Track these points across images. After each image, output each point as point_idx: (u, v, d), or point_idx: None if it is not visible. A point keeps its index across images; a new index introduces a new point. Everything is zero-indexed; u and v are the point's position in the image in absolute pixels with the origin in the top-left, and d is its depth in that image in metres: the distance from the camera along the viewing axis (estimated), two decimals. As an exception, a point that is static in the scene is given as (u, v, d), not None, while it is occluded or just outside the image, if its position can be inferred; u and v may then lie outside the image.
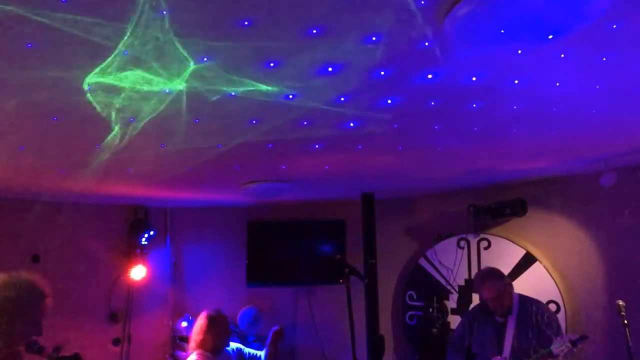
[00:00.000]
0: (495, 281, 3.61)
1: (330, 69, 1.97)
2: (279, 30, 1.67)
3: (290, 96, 2.22)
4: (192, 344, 3.51)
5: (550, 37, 1.70)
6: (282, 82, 2.09)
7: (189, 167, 3.53)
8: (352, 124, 2.72)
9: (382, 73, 2.03)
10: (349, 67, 1.98)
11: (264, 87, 2.11)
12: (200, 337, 3.47)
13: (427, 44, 1.80)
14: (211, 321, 3.52)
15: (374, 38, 1.74)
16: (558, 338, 3.32)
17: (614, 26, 1.73)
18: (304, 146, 3.15)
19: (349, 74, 2.04)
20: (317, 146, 3.13)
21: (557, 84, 2.28)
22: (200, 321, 3.56)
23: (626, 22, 1.71)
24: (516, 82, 2.21)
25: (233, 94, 2.16)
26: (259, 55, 1.85)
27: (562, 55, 1.95)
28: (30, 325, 2.26)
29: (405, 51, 1.87)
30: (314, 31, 1.67)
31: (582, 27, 1.68)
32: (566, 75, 2.18)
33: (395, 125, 2.77)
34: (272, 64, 1.91)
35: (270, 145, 3.05)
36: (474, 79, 2.16)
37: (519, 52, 1.90)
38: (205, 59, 1.83)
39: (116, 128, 2.53)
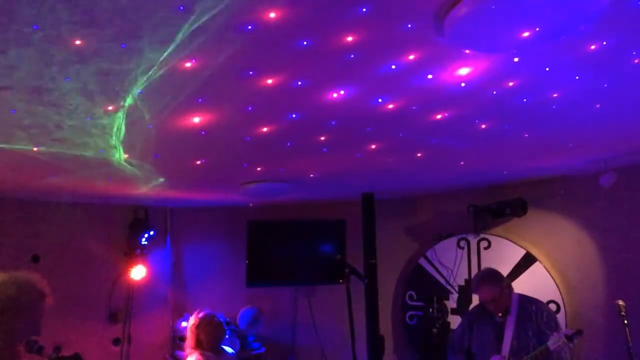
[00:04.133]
0: (491, 285, 3.60)
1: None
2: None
3: (299, 83, 2.21)
4: (188, 348, 3.53)
5: (551, 38, 1.70)
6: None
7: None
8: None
9: (393, 67, 2.03)
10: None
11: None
12: (193, 338, 3.50)
13: (431, 42, 1.81)
14: (196, 321, 3.56)
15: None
16: (554, 334, 3.34)
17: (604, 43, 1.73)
18: (305, 146, 3.15)
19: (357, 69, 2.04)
20: (316, 146, 3.13)
21: (556, 85, 2.28)
22: (188, 324, 3.62)
23: (626, 23, 1.71)
24: (513, 83, 2.22)
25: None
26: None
27: (561, 56, 1.95)
28: (29, 325, 2.26)
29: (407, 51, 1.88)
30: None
31: (582, 27, 1.68)
32: (566, 75, 2.18)
33: (391, 126, 2.78)
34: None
35: (270, 146, 3.05)
36: (462, 84, 2.16)
37: (518, 53, 1.91)
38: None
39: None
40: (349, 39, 1.77)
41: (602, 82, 2.25)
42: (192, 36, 1.69)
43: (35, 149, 2.98)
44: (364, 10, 1.59)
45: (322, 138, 2.95)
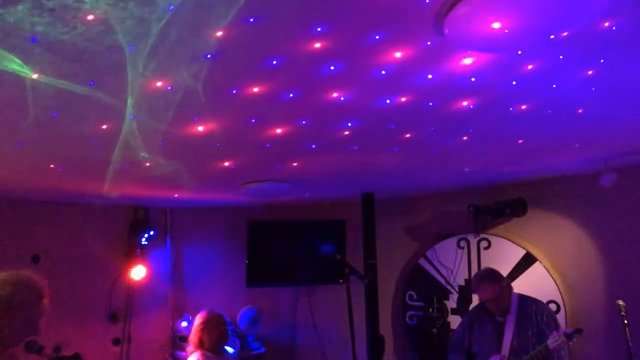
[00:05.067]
0: (491, 284, 3.61)
1: (332, 67, 1.98)
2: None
3: (291, 94, 2.23)
4: (191, 346, 3.54)
5: (552, 37, 1.70)
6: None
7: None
8: (349, 124, 2.73)
9: (383, 72, 2.03)
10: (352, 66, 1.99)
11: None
12: (196, 337, 3.51)
13: (429, 43, 1.81)
14: (203, 320, 3.56)
15: (377, 37, 1.75)
16: (554, 333, 3.35)
17: (613, 28, 1.73)
18: (305, 147, 3.15)
19: (351, 72, 2.05)
20: (314, 146, 3.14)
21: (557, 84, 2.28)
22: (195, 322, 3.63)
23: (625, 21, 1.71)
24: (514, 82, 2.21)
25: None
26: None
27: (561, 57, 1.94)
28: (26, 325, 2.21)
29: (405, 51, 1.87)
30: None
31: (582, 26, 1.68)
32: (566, 74, 2.18)
33: (392, 126, 2.78)
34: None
35: (269, 145, 3.06)
36: (472, 79, 2.16)
37: (519, 52, 1.91)
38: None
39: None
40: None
41: (604, 79, 2.25)
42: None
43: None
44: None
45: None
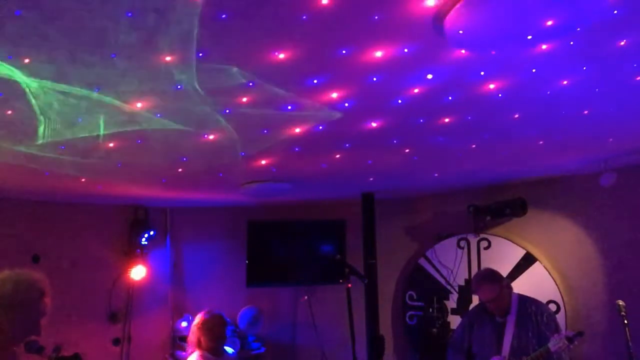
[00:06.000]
0: (491, 284, 3.60)
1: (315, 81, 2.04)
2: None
3: (289, 107, 2.26)
4: (190, 346, 3.55)
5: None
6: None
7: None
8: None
9: (375, 79, 2.04)
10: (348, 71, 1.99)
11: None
12: (194, 338, 3.52)
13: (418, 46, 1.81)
14: (200, 321, 3.56)
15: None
16: (555, 335, 3.34)
17: (615, 12, 1.71)
18: (306, 146, 3.15)
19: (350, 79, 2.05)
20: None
21: (557, 84, 2.28)
22: (192, 323, 3.63)
23: (625, 14, 1.71)
24: (518, 79, 2.21)
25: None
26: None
27: (571, 45, 1.91)
28: (28, 324, 2.21)
29: (404, 53, 1.87)
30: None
31: (582, 26, 1.67)
32: (567, 74, 2.17)
33: (396, 125, 2.78)
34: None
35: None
36: (482, 73, 2.14)
37: (519, 51, 1.90)
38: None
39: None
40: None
41: (605, 79, 2.25)
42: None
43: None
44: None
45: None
